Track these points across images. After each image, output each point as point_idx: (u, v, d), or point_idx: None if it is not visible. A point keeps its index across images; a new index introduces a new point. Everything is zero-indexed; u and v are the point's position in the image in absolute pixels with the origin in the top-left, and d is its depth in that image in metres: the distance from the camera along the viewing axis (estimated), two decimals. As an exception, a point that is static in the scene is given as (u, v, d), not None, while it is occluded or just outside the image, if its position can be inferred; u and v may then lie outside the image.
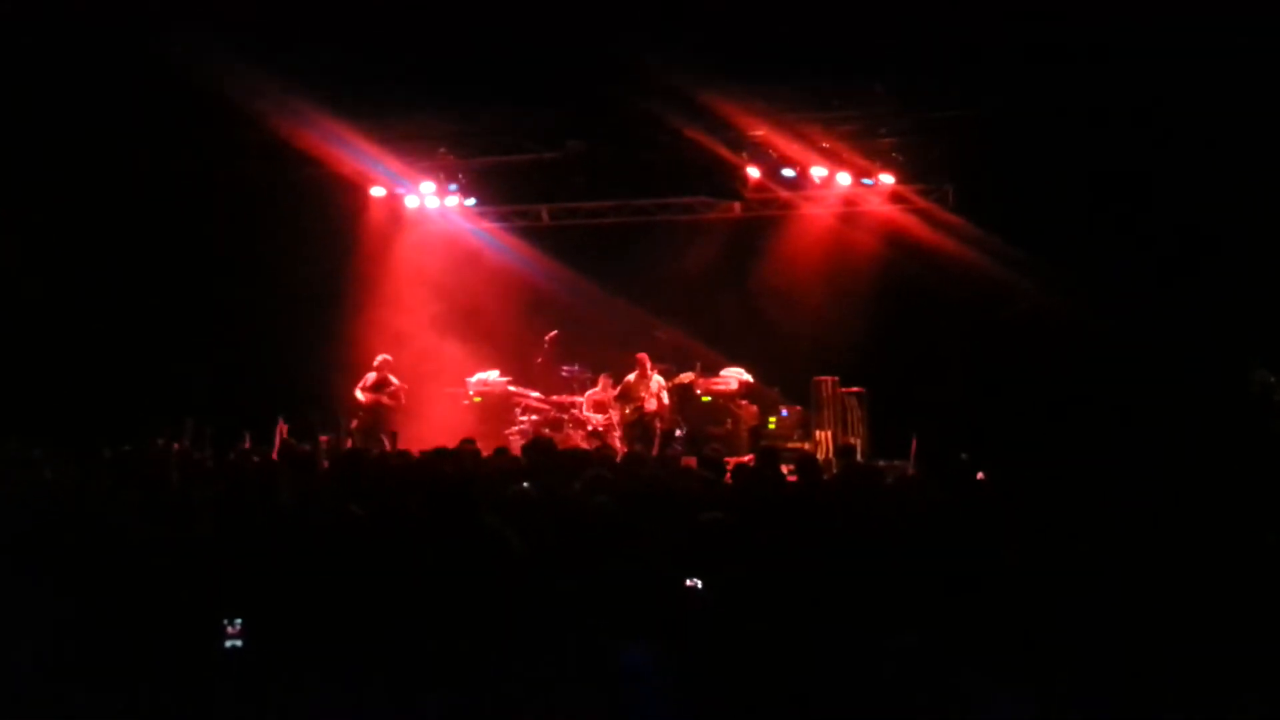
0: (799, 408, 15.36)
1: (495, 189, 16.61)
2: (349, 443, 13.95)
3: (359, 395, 15.14)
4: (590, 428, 15.28)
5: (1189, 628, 4.89)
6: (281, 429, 13.74)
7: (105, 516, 6.58)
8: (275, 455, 12.01)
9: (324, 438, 14.14)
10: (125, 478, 8.24)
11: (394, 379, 15.23)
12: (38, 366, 14.72)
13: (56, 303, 15.08)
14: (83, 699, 5.00)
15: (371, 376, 15.25)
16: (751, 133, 14.63)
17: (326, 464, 10.32)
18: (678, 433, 14.71)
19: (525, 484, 6.96)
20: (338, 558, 5.62)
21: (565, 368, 15.96)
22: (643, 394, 14.75)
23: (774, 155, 15.02)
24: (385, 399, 15.07)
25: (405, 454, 9.64)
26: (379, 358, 15.35)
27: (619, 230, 16.77)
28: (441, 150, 16.07)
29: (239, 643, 5.00)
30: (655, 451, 13.86)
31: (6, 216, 14.57)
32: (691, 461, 10.17)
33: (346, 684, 4.80)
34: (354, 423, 15.02)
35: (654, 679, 4.42)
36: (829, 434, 14.60)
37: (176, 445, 12.07)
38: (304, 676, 4.91)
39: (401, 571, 5.41)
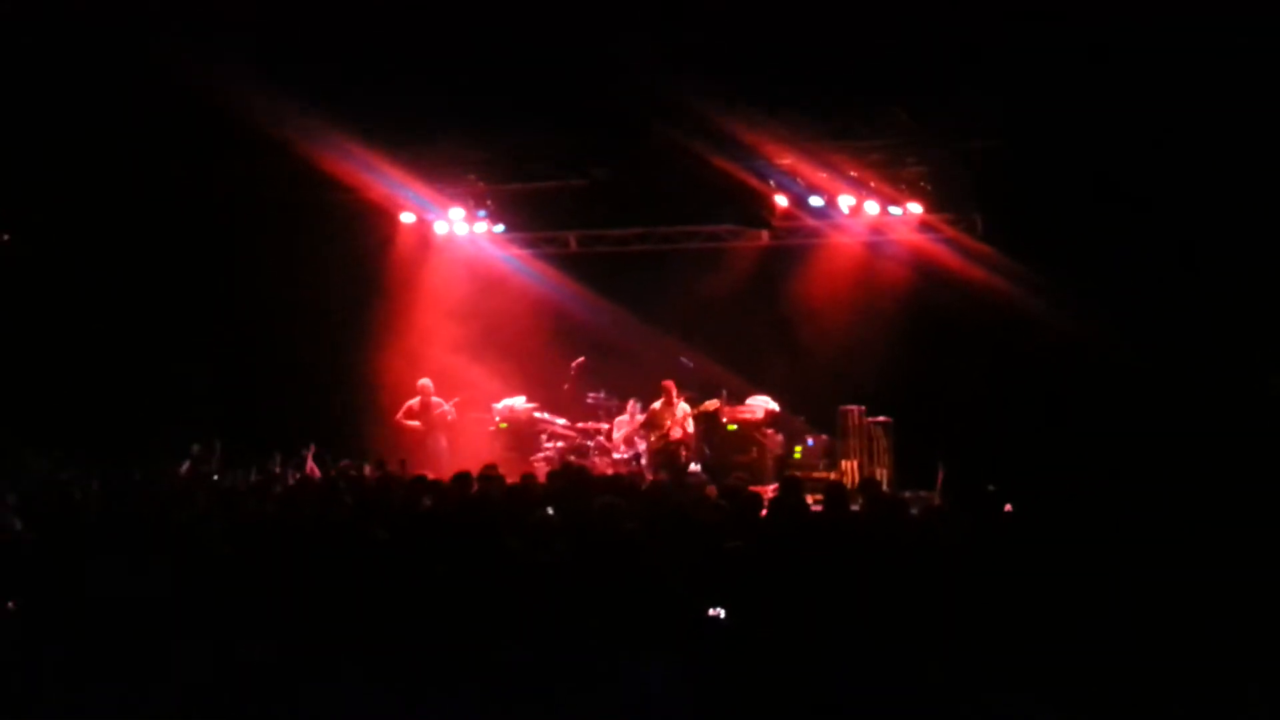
0: (825, 437, 15.29)
1: (523, 215, 16.66)
2: (365, 469, 14.01)
3: (411, 423, 15.29)
4: (617, 455, 15.27)
5: (1218, 654, 4.85)
6: (309, 454, 13.80)
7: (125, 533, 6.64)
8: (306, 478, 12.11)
9: (345, 462, 14.19)
10: (153, 499, 8.31)
11: (439, 400, 15.41)
12: (68, 388, 14.89)
13: (88, 325, 15.24)
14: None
15: (416, 402, 15.40)
16: (779, 161, 14.63)
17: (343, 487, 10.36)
18: (693, 466, 14.63)
19: (550, 510, 6.97)
20: (363, 580, 5.64)
21: (591, 394, 15.96)
22: (668, 421, 14.73)
23: (801, 184, 15.00)
24: (434, 421, 15.27)
25: (428, 479, 9.65)
26: (420, 382, 15.49)
27: (647, 257, 16.78)
28: (471, 177, 16.15)
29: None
30: (680, 480, 13.81)
31: (41, 242, 14.78)
32: (713, 490, 10.13)
33: (370, 702, 4.81)
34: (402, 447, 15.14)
35: (674, 703, 4.41)
36: (855, 464, 14.53)
37: (196, 467, 12.17)
38: (327, 693, 4.92)
39: (425, 594, 5.42)
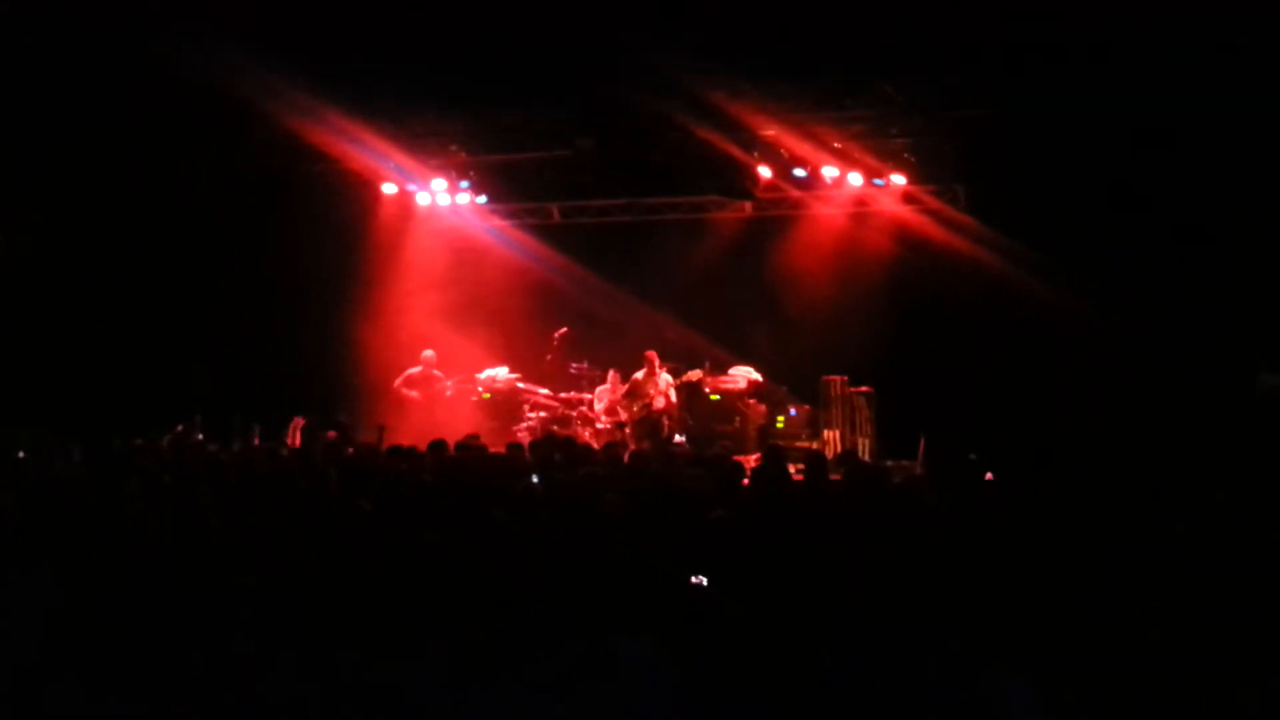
0: (807, 407, 15.36)
1: (506, 186, 16.62)
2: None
3: (410, 392, 15.31)
4: (599, 425, 15.31)
5: (1196, 626, 4.90)
6: (297, 424, 13.77)
7: (113, 509, 6.63)
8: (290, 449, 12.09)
9: (332, 434, 14.16)
10: (132, 471, 8.29)
11: (439, 374, 15.46)
12: (48, 361, 14.82)
13: (66, 298, 15.16)
14: (86, 691, 5.03)
15: (417, 371, 15.43)
16: (763, 132, 14.61)
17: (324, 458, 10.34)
18: (677, 437, 14.66)
19: (534, 479, 6.99)
20: (346, 551, 5.65)
21: (574, 365, 15.99)
22: (651, 391, 14.77)
23: (785, 155, 15.01)
24: (433, 394, 15.38)
25: (411, 450, 9.66)
26: (424, 353, 15.53)
27: (629, 228, 16.79)
28: (453, 147, 16.09)
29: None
30: (663, 449, 13.85)
31: (18, 214, 14.66)
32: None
33: (350, 675, 4.83)
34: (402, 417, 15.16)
35: (657, 674, 4.44)
36: (837, 433, 14.61)
37: (185, 439, 12.13)
38: (309, 667, 4.94)
39: (407, 566, 5.44)
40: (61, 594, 5.47)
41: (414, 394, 15.48)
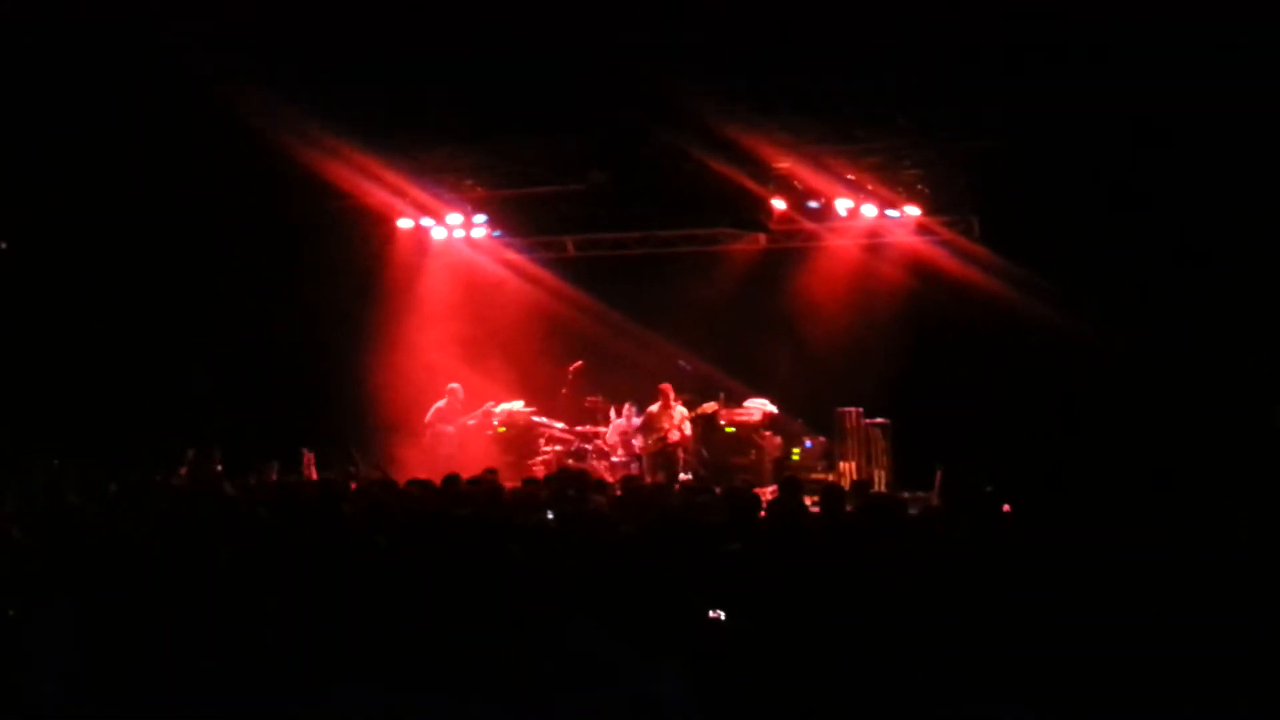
0: (823, 439, 15.34)
1: (521, 220, 16.69)
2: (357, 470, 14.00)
3: (445, 427, 15.35)
4: (615, 458, 15.29)
5: (1216, 656, 4.86)
6: (308, 459, 13.81)
7: (126, 540, 6.64)
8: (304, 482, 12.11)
9: (351, 468, 14.20)
10: (145, 503, 8.31)
11: (461, 407, 15.63)
12: (66, 390, 14.89)
13: (85, 327, 15.23)
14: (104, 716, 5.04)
15: (444, 404, 15.47)
16: (776, 164, 14.65)
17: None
18: (682, 475, 14.62)
19: (549, 514, 6.98)
20: (363, 587, 5.64)
21: (589, 398, 16.00)
22: (666, 424, 14.76)
23: (799, 187, 15.04)
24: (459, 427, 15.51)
25: (428, 484, 9.66)
26: (450, 386, 15.60)
27: (644, 261, 16.82)
28: (468, 182, 16.18)
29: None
30: (678, 483, 13.84)
31: (38, 249, 14.79)
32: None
33: (371, 709, 4.82)
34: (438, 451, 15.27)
35: (677, 707, 4.42)
36: (853, 465, 14.57)
37: (201, 470, 12.18)
38: (327, 701, 4.93)
39: (426, 602, 5.43)
40: (81, 628, 5.47)
41: (448, 429, 15.52)
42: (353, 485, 10.90)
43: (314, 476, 13.29)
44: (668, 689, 4.39)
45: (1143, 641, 5.00)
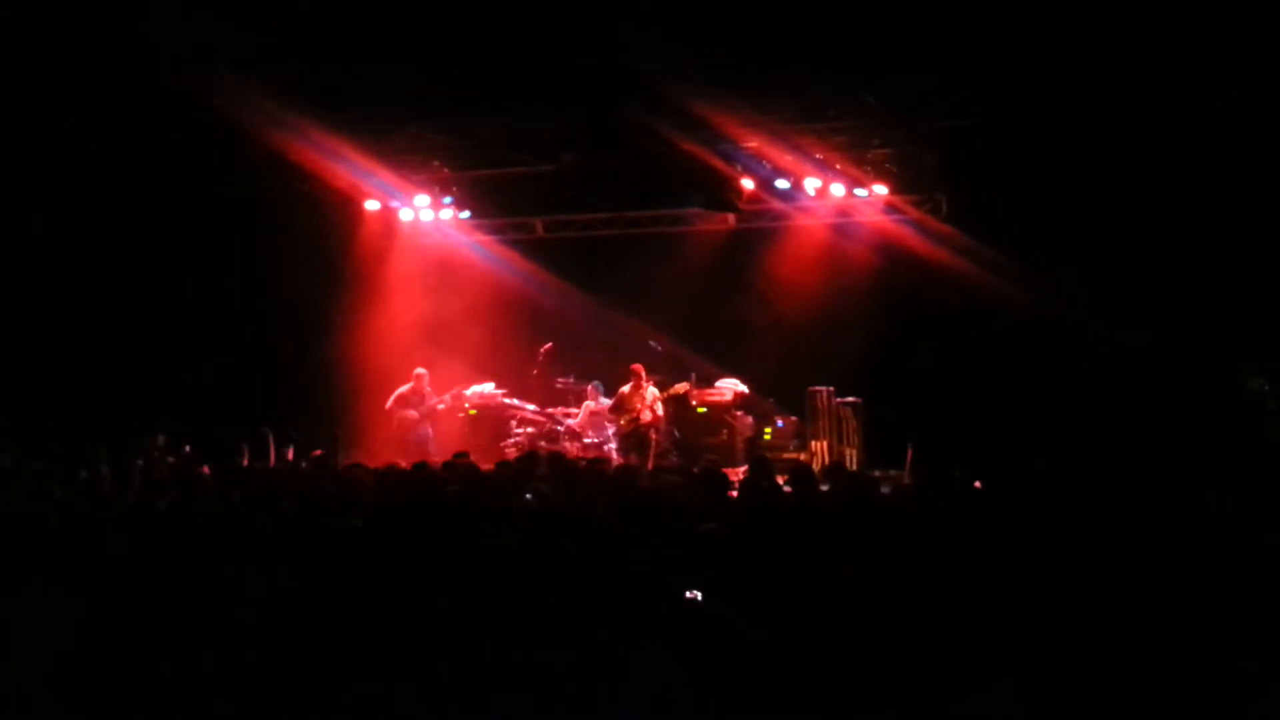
0: (794, 418, 15.39)
1: (489, 202, 16.63)
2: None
3: (408, 412, 15.29)
4: (586, 440, 15.29)
5: (1188, 634, 4.90)
6: (270, 439, 13.73)
7: (99, 529, 6.61)
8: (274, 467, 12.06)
9: (317, 451, 14.13)
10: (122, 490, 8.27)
11: (430, 390, 15.45)
12: (29, 375, 14.74)
13: (49, 312, 15.08)
14: (89, 707, 5.01)
15: (408, 389, 15.40)
16: (745, 144, 14.66)
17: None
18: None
19: (528, 496, 6.98)
20: (339, 570, 5.63)
21: (560, 380, 15.99)
22: (637, 405, 14.74)
23: (768, 166, 15.05)
24: (426, 411, 15.40)
25: (398, 468, 9.65)
26: (416, 370, 15.52)
27: (614, 242, 16.79)
28: (435, 163, 16.10)
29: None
30: (650, 463, 13.86)
31: (7, 234, 14.62)
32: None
33: (348, 695, 4.81)
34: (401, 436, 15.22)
35: (659, 690, 4.43)
36: (825, 444, 14.63)
37: (159, 459, 12.12)
38: (304, 688, 4.92)
39: (401, 584, 5.42)
40: (87, 614, 5.44)
41: (412, 413, 15.44)
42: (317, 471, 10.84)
43: (284, 460, 13.21)
44: (651, 672, 4.40)
45: (1115, 619, 5.04)
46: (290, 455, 13.49)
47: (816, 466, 13.39)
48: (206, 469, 10.55)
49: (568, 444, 15.25)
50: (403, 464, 10.11)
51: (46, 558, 6.13)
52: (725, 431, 15.45)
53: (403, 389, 15.55)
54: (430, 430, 15.44)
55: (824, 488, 8.93)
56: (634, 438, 14.67)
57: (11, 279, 14.91)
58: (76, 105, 13.01)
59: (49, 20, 11.42)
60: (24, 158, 13.76)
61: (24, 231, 14.74)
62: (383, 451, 14.24)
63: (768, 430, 15.48)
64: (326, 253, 16.58)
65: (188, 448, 12.85)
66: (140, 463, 11.98)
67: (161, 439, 13.22)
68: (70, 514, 7.30)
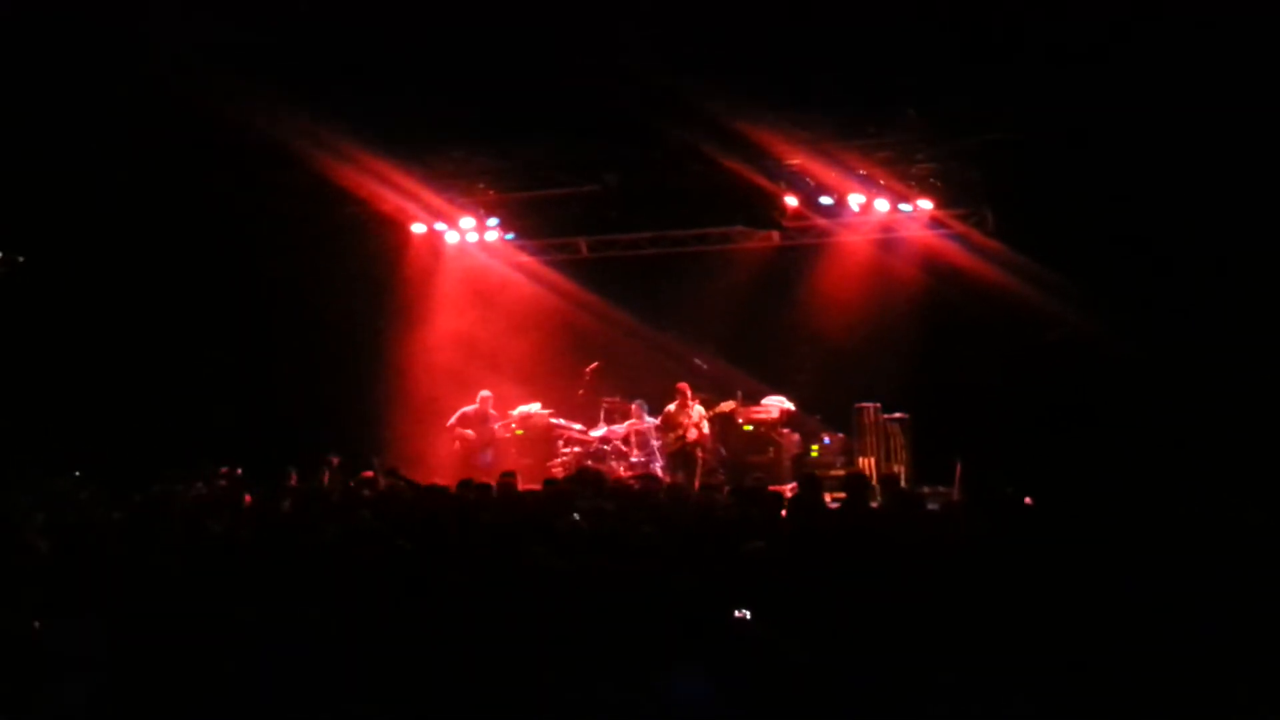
0: (841, 435, 15.32)
1: (534, 223, 16.71)
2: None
3: (465, 431, 15.42)
4: (633, 458, 15.30)
5: (1241, 651, 4.84)
6: (332, 462, 13.82)
7: (150, 552, 6.68)
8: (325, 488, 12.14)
9: (366, 473, 14.21)
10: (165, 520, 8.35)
11: (495, 413, 15.68)
12: (84, 404, 14.96)
13: (100, 340, 15.30)
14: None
15: (472, 410, 15.52)
16: (788, 161, 14.62)
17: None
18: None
19: (576, 516, 6.99)
20: (387, 591, 5.66)
21: (606, 399, 16.02)
22: (684, 423, 14.75)
23: (811, 183, 14.99)
24: (488, 434, 15.56)
25: (444, 489, 9.70)
26: (481, 393, 15.66)
27: (658, 261, 16.81)
28: (480, 185, 16.19)
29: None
30: (697, 482, 13.85)
31: (55, 264, 14.87)
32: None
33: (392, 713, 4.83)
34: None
35: (703, 707, 4.42)
36: (872, 461, 14.55)
37: (214, 484, 12.22)
38: (350, 705, 4.95)
39: (450, 603, 5.44)
40: (106, 641, 5.50)
41: (469, 433, 15.55)
42: (367, 493, 10.91)
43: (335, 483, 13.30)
44: (692, 690, 4.39)
45: (1163, 635, 4.99)
46: (367, 474, 13.61)
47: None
48: (249, 498, 10.64)
49: (614, 463, 15.27)
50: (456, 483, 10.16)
51: (99, 580, 6.20)
52: (772, 449, 15.42)
53: (467, 409, 15.68)
54: (491, 455, 15.49)
55: (880, 497, 8.91)
56: (681, 456, 14.67)
57: (62, 307, 15.16)
58: (133, 133, 13.21)
59: (100, 44, 11.59)
60: (76, 184, 13.99)
61: (73, 259, 14.99)
62: (439, 471, 14.30)
63: (814, 447, 15.41)
64: (374, 276, 16.74)
65: (239, 470, 12.95)
66: (198, 485, 12.10)
67: (214, 467, 13.35)
68: (124, 536, 7.39)
